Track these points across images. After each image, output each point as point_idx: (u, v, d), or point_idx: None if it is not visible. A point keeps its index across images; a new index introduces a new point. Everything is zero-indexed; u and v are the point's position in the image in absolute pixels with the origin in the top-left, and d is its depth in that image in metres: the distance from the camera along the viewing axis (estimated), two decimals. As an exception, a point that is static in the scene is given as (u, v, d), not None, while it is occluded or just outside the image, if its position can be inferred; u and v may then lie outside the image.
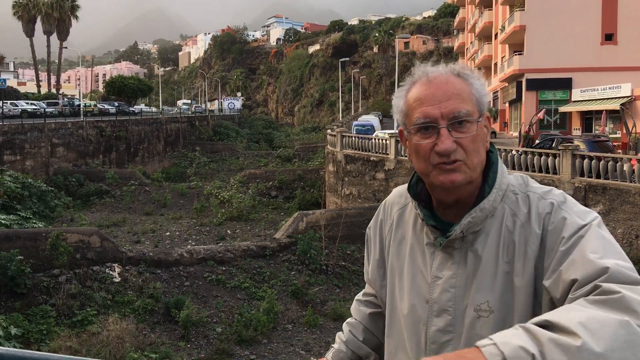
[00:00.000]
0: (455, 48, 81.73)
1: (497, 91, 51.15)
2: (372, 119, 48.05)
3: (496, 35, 50.27)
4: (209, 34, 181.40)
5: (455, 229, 1.49)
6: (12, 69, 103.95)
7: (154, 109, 77.10)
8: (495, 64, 51.35)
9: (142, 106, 76.21)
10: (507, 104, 47.12)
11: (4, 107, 41.63)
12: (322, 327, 16.53)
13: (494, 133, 42.33)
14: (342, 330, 1.94)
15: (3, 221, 20.67)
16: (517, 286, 1.43)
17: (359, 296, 1.97)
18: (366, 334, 1.89)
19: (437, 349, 1.51)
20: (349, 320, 1.95)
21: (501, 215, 1.50)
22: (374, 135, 31.85)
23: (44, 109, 45.61)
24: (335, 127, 36.08)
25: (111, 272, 17.17)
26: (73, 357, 1.42)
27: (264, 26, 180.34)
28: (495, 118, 43.09)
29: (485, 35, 55.56)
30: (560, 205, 1.46)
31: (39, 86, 77.27)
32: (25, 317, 14.60)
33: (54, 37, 74.16)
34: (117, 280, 17.00)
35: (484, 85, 1.57)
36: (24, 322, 14.15)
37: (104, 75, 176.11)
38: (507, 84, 45.63)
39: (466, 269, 1.50)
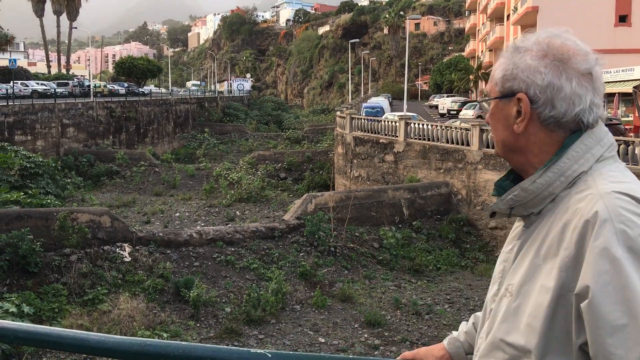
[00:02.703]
0: (466, 29, 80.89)
1: (508, 73, 50.62)
2: (381, 101, 47.87)
3: (508, 16, 49.63)
4: (218, 14, 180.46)
5: (497, 202, 1.51)
6: (22, 49, 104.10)
7: (163, 90, 77.16)
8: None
9: (152, 87, 76.26)
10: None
11: (15, 87, 41.79)
12: (331, 308, 16.64)
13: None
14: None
15: (12, 199, 20.87)
16: (540, 284, 1.36)
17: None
18: None
19: (488, 314, 1.56)
20: (477, 313, 1.85)
21: (561, 204, 1.40)
22: (383, 117, 31.73)
23: (54, 90, 45.77)
24: (344, 109, 35.96)
25: (121, 252, 17.33)
26: (86, 332, 1.45)
27: (274, 7, 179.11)
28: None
29: (498, 17, 54.90)
30: (612, 219, 1.25)
31: (49, 66, 77.41)
32: (37, 295, 14.80)
33: (63, 17, 74.13)
34: (127, 260, 17.16)
35: (521, 61, 1.45)
36: (36, 301, 14.34)
37: (114, 55, 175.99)
38: (518, 66, 45.12)
39: (519, 248, 1.50)
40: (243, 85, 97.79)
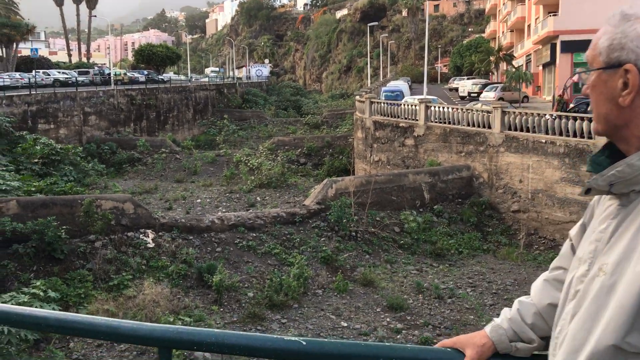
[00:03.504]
0: (487, 10, 79.60)
1: (530, 54, 49.81)
2: (401, 84, 47.41)
3: (530, -4, 48.66)
4: (235, 0, 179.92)
5: (596, 178, 1.43)
6: (43, 38, 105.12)
7: (182, 77, 77.40)
8: (529, 26, 49.90)
9: (171, 74, 76.54)
10: (540, 67, 45.92)
11: (37, 77, 42.26)
12: (352, 292, 16.68)
13: (526, 97, 41.41)
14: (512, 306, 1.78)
15: (36, 188, 21.19)
16: (631, 265, 1.31)
17: (545, 274, 1.77)
18: (537, 320, 1.70)
19: (572, 295, 1.48)
20: (522, 298, 1.77)
21: None
22: (403, 101, 31.46)
23: (76, 78, 46.21)
24: (363, 93, 35.74)
25: (145, 238, 17.52)
26: (117, 320, 1.44)
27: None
28: (528, 82, 42.05)
29: (519, -4, 53.85)
30: None
31: (69, 55, 78.17)
32: (64, 281, 15.05)
33: (83, 6, 74.66)
34: (151, 246, 17.36)
35: (631, 29, 1.37)
36: (63, 286, 14.59)
37: (133, 43, 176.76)
38: (540, 47, 44.38)
39: (615, 227, 1.42)
40: (261, 71, 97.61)
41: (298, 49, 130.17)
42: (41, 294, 13.14)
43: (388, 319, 15.11)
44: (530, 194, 21.37)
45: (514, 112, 22.79)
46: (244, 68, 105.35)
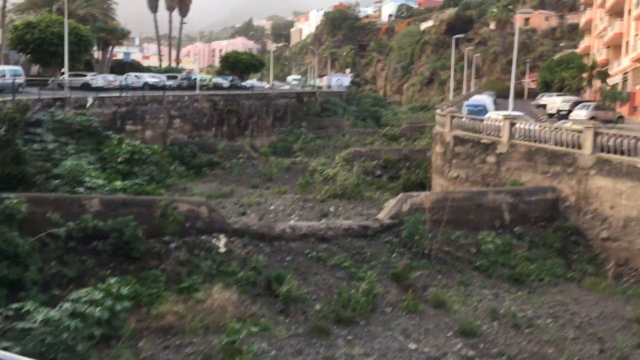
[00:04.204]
0: (581, 25, 76.02)
1: (627, 72, 46.95)
2: (485, 99, 45.91)
3: (630, 10, 45.95)
4: (321, 10, 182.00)
5: None
6: (137, 43, 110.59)
7: (266, 85, 78.89)
8: (627, 43, 47.04)
9: (254, 81, 78.20)
10: (638, 87, 43.12)
11: (128, 79, 44.24)
12: (423, 313, 16.02)
13: (621, 117, 38.95)
14: None
15: (119, 187, 21.94)
16: None
17: None
18: None
19: None
20: None
21: None
22: (486, 116, 30.34)
23: (164, 82, 48.04)
24: (444, 106, 34.83)
25: (217, 243, 17.67)
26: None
27: (376, 2, 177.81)
28: (624, 102, 39.54)
29: (617, 11, 51.00)
30: None
31: (160, 60, 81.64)
32: (138, 280, 15.37)
33: (175, 13, 77.88)
34: (222, 251, 17.47)
35: None
36: (136, 285, 14.88)
37: (220, 50, 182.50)
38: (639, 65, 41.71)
39: None
40: (342, 80, 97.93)
41: (380, 59, 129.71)
42: (114, 291, 13.45)
43: (459, 345, 14.36)
44: (622, 221, 19.86)
45: (608, 133, 21.32)
46: (325, 77, 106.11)
